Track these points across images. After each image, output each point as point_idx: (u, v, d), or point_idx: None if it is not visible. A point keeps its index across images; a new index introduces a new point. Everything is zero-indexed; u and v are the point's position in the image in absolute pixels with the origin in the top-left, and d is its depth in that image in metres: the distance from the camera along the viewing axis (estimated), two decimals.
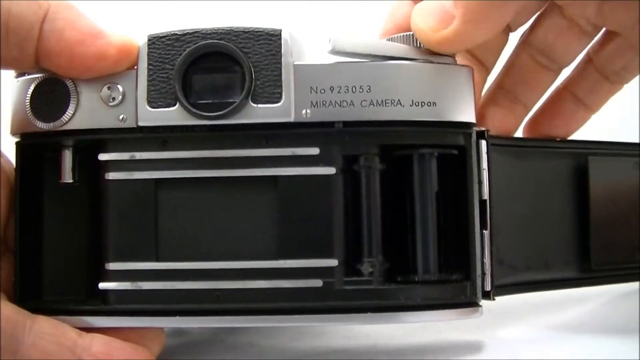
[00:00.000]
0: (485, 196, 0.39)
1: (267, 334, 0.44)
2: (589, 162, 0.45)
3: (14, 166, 0.39)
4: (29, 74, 0.38)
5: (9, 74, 0.39)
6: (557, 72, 0.48)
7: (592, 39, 0.47)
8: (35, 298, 0.38)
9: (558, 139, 0.47)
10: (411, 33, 0.38)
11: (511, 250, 0.41)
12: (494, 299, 0.39)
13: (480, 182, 0.39)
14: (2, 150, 0.40)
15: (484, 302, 0.39)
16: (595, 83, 0.48)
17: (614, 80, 0.48)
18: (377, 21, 0.43)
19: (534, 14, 0.46)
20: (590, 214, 0.44)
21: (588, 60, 0.48)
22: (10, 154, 0.39)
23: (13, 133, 0.38)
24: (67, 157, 0.38)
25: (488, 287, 0.39)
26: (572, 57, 0.47)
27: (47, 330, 0.36)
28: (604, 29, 0.47)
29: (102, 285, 0.37)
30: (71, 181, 0.39)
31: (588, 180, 0.44)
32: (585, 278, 0.45)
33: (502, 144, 0.41)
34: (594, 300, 0.48)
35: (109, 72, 0.37)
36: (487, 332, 0.44)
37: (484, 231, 0.39)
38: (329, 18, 0.52)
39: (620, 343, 0.41)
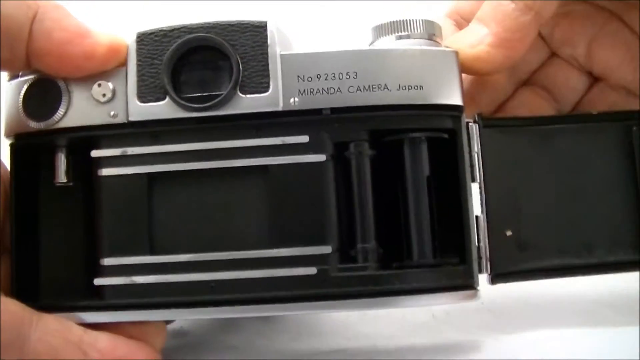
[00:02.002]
0: (478, 180, 0.39)
1: (266, 334, 0.44)
2: (634, 134, 0.42)
3: (8, 169, 0.39)
4: (21, 76, 0.38)
5: (3, 77, 0.40)
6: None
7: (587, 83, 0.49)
8: (32, 298, 0.38)
9: (595, 112, 0.45)
10: (397, 20, 0.39)
11: (539, 233, 0.40)
12: (494, 284, 0.39)
13: (472, 166, 0.39)
14: None
15: (484, 301, 0.39)
16: None
17: None
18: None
19: None
20: None
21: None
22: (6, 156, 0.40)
23: (7, 135, 0.39)
24: (61, 157, 0.39)
25: (488, 272, 0.38)
26: (573, 95, 0.49)
27: (53, 327, 0.36)
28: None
29: (98, 281, 0.37)
30: (65, 181, 0.39)
31: (635, 153, 0.42)
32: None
33: (520, 125, 0.41)
34: (594, 300, 0.48)
35: (98, 70, 0.37)
36: (487, 332, 0.43)
37: (480, 215, 0.39)
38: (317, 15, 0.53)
39: (620, 343, 0.40)
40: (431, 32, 0.39)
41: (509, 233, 0.40)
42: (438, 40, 0.39)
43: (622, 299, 0.46)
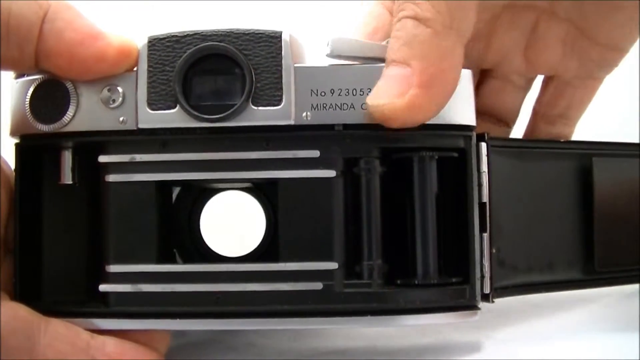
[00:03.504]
0: (485, 199, 0.39)
1: (267, 334, 0.44)
2: (593, 163, 0.44)
3: (12, 168, 0.39)
4: (28, 75, 0.38)
5: (9, 75, 0.39)
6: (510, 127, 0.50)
7: (527, 91, 0.50)
8: (35, 299, 0.38)
9: (562, 140, 0.47)
10: None
11: (513, 251, 0.41)
12: (493, 302, 0.39)
13: (480, 185, 0.39)
14: (1, 152, 0.40)
15: (486, 302, 0.39)
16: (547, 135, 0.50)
17: (564, 123, 0.50)
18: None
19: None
20: (594, 215, 0.44)
21: (534, 114, 0.50)
22: (11, 154, 0.39)
23: (12, 134, 0.38)
24: (67, 158, 0.38)
25: (487, 290, 0.39)
26: (515, 113, 0.50)
27: (61, 332, 0.36)
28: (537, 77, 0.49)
29: (103, 287, 0.37)
30: (71, 182, 0.38)
31: (593, 181, 0.44)
32: (589, 280, 0.45)
33: (503, 146, 0.41)
34: (594, 300, 0.48)
35: (109, 73, 0.37)
36: (487, 332, 0.43)
37: (484, 234, 0.39)
38: (328, 20, 0.52)
39: (620, 343, 0.41)
40: None
41: (494, 250, 0.40)
42: None
43: (622, 299, 0.47)
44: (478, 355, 0.40)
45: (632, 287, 0.48)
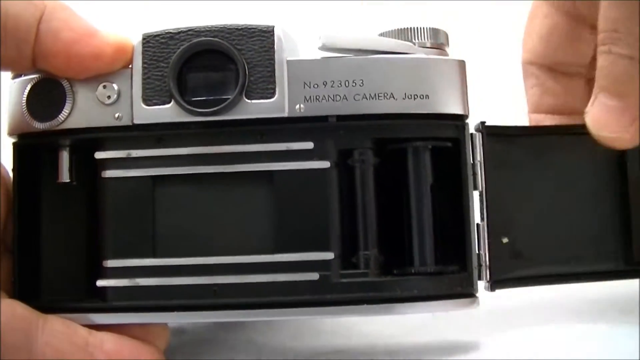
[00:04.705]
0: (480, 188, 0.39)
1: (266, 333, 0.44)
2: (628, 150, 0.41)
3: (11, 168, 0.39)
4: (24, 75, 0.38)
5: (7, 76, 0.39)
6: None
7: None
8: (34, 298, 0.38)
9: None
10: (404, 27, 0.39)
11: (532, 242, 0.41)
12: (493, 291, 0.39)
13: (474, 174, 0.39)
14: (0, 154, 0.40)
15: (484, 302, 0.39)
16: None
17: None
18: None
19: None
20: (630, 202, 0.42)
21: None
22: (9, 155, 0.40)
23: (10, 134, 0.39)
24: (64, 157, 0.39)
25: (487, 279, 0.39)
26: None
27: (59, 329, 0.36)
28: None
29: (100, 282, 0.38)
30: (68, 181, 0.39)
31: (626, 165, 0.42)
32: (629, 270, 0.43)
33: (518, 134, 0.41)
34: (594, 300, 0.48)
35: (105, 71, 0.37)
36: (487, 332, 0.43)
37: (480, 223, 0.39)
38: (321, 17, 0.53)
39: (621, 343, 0.40)
40: (438, 41, 0.39)
41: (505, 240, 0.40)
42: (444, 48, 0.39)
43: (622, 298, 0.47)
44: (478, 355, 0.40)
45: (633, 287, 0.48)
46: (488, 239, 0.39)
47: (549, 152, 0.42)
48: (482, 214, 0.39)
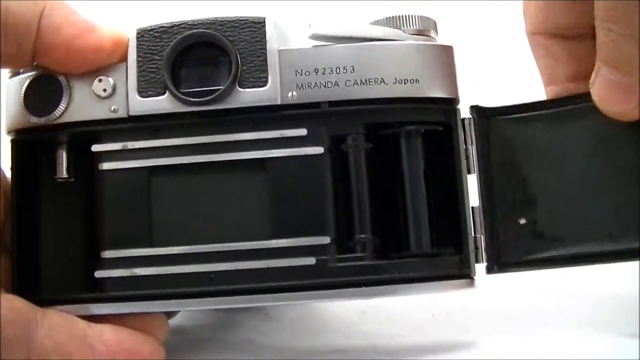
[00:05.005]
0: (474, 171, 0.39)
1: (266, 333, 0.44)
2: None
3: (9, 167, 0.39)
4: (22, 73, 0.39)
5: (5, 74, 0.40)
6: None
7: None
8: (33, 293, 0.38)
9: None
10: (393, 15, 0.39)
11: (556, 222, 0.39)
12: (490, 273, 0.39)
13: (467, 158, 0.39)
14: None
15: (486, 303, 0.39)
16: None
17: None
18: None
19: None
20: None
21: None
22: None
23: (8, 130, 0.39)
24: (62, 153, 0.39)
25: (483, 262, 0.39)
26: None
27: (58, 322, 0.36)
28: None
29: (98, 273, 0.38)
30: (66, 177, 0.39)
31: None
32: None
33: (532, 110, 0.40)
34: (594, 301, 0.48)
35: (103, 64, 0.38)
36: (487, 332, 0.43)
37: (474, 206, 0.39)
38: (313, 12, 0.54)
39: (620, 343, 0.40)
40: (426, 28, 0.39)
41: (522, 221, 0.39)
42: (433, 35, 0.40)
43: (622, 299, 0.47)
44: (478, 355, 0.40)
45: (633, 287, 0.48)
46: (484, 222, 0.39)
47: (569, 124, 0.40)
48: (479, 196, 0.39)
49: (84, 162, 0.39)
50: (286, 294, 0.37)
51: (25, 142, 0.39)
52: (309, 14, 0.40)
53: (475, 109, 0.40)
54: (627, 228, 0.39)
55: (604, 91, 0.38)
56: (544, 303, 0.47)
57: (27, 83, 0.39)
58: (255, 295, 0.37)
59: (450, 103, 0.39)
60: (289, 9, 0.39)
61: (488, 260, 0.39)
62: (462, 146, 0.39)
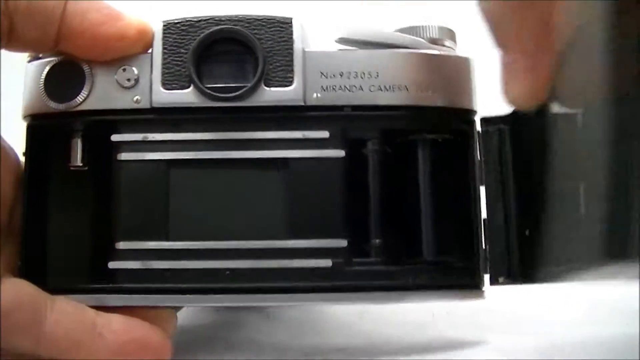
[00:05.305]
0: (485, 183, 0.40)
1: (267, 332, 0.44)
2: None
3: (22, 152, 0.39)
4: (42, 58, 0.38)
5: (8, 63, 0.39)
6: None
7: None
8: (41, 281, 0.37)
9: None
10: (417, 25, 0.40)
11: (562, 235, 0.39)
12: (493, 285, 0.40)
13: (481, 169, 0.40)
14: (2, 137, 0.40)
15: (486, 302, 0.40)
16: None
17: None
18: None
19: None
20: None
21: None
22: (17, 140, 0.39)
23: (25, 115, 0.39)
24: (78, 141, 0.39)
25: (487, 273, 0.40)
26: None
27: (68, 309, 0.36)
28: None
29: (112, 264, 0.37)
30: (80, 165, 0.39)
31: None
32: None
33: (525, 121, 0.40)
34: (594, 300, 0.49)
35: (127, 52, 0.38)
36: (487, 332, 0.44)
37: (485, 218, 0.40)
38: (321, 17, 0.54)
39: (621, 344, 0.41)
40: (447, 38, 0.40)
41: (528, 233, 0.40)
42: (452, 46, 0.40)
43: (622, 299, 0.48)
44: (478, 355, 0.40)
45: (633, 288, 0.49)
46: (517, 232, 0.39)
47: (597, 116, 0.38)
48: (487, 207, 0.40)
49: (99, 151, 0.39)
50: (302, 294, 0.37)
51: (42, 128, 0.39)
52: (308, 14, 0.40)
53: (484, 120, 0.40)
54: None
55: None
56: (544, 303, 0.48)
57: (48, 68, 0.38)
58: (271, 295, 0.37)
59: (469, 114, 0.40)
60: (289, 9, 0.39)
61: (492, 272, 0.40)
62: (477, 158, 0.40)
